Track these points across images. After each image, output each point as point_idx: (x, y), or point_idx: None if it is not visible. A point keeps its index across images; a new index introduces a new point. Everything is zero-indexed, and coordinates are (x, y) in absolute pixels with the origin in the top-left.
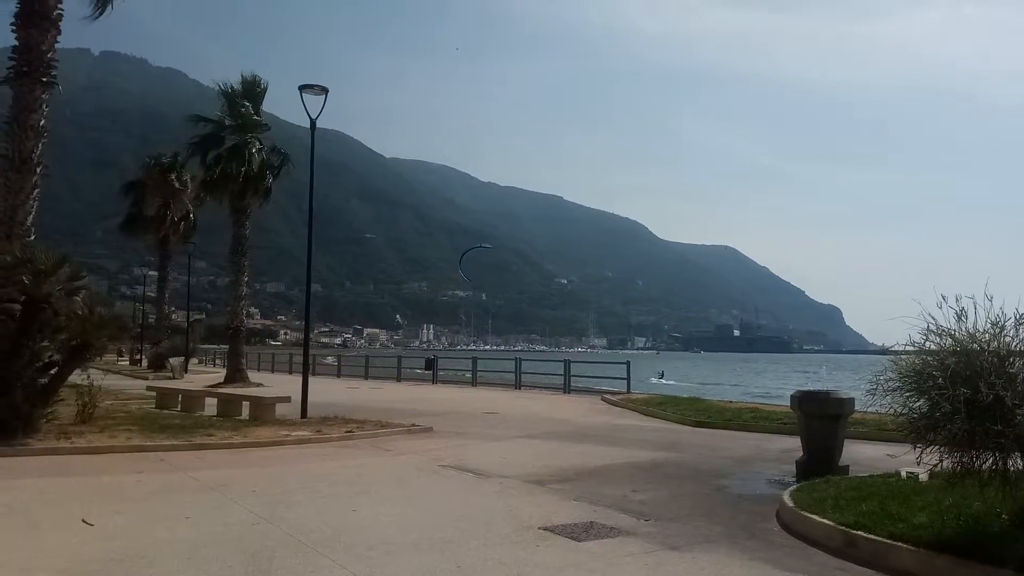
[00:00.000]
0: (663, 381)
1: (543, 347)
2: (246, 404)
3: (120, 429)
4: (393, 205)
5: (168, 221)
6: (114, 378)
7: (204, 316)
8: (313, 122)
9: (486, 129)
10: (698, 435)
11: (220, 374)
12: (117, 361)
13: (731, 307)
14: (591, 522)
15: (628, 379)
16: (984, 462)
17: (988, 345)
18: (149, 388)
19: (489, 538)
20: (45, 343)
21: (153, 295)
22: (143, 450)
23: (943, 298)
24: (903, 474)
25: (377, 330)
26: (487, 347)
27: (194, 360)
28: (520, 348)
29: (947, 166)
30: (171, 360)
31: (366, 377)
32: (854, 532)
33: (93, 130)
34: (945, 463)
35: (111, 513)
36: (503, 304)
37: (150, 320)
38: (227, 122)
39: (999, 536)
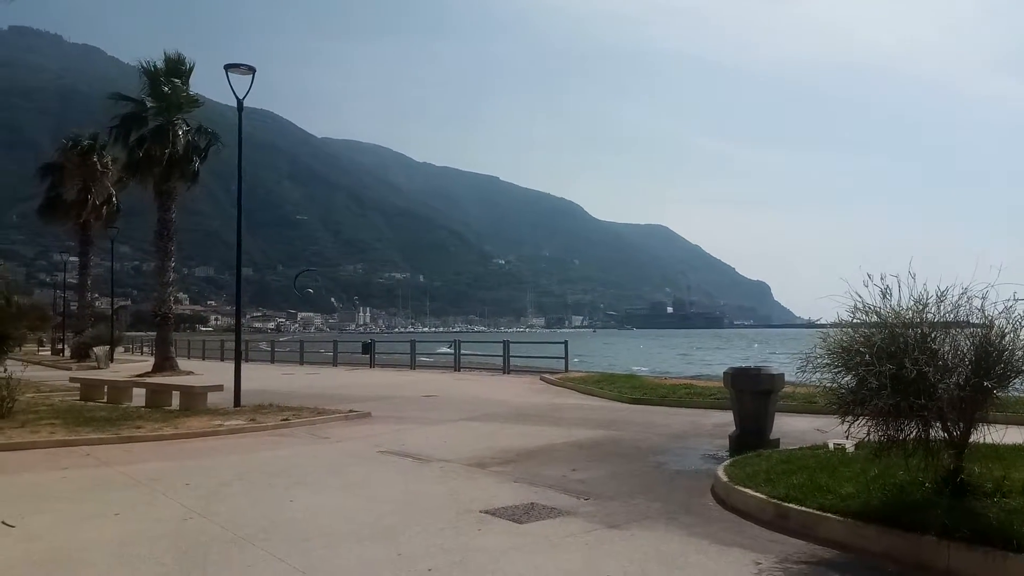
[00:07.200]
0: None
1: (482, 328)
2: (176, 394)
3: (42, 423)
4: (326, 186)
5: (89, 205)
6: (35, 369)
7: (130, 303)
8: (240, 102)
9: (419, 110)
10: (635, 412)
11: (148, 363)
12: (38, 352)
13: (664, 284)
14: (532, 503)
15: (566, 358)
16: (908, 433)
17: (912, 322)
18: (73, 379)
19: (430, 524)
20: None
21: (74, 282)
22: (68, 444)
23: (868, 276)
24: (831, 446)
25: (312, 314)
26: (425, 329)
27: (120, 349)
28: (459, 329)
29: (874, 148)
30: (95, 349)
31: (301, 362)
32: (786, 504)
33: (5, 109)
34: (872, 435)
35: (34, 513)
36: (441, 286)
37: (72, 308)
38: (149, 103)
39: (922, 504)
